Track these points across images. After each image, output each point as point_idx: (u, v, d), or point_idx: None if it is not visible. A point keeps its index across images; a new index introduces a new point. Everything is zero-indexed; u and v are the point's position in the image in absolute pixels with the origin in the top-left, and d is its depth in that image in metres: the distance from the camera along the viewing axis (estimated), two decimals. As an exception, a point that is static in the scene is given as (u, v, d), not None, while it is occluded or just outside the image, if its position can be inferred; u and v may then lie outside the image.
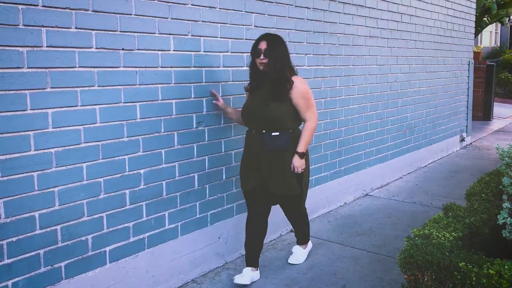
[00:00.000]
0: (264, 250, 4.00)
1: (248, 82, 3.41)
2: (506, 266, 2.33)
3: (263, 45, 3.19)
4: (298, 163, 3.29)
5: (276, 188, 3.32)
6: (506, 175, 2.69)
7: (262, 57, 3.18)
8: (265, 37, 3.25)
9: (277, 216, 4.28)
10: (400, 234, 4.33)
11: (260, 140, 3.26)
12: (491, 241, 3.07)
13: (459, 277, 2.39)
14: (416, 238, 2.77)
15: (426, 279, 2.54)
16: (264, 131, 3.24)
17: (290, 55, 4.28)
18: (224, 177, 3.73)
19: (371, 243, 4.16)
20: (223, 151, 3.70)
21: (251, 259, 3.44)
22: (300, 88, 3.25)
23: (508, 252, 2.91)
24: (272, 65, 3.17)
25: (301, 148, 3.28)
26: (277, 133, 3.22)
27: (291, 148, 3.29)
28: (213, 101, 3.52)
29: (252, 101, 3.32)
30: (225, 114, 3.62)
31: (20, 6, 2.44)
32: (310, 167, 4.09)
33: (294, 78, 3.25)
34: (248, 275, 3.35)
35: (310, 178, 4.65)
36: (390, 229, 4.47)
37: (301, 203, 3.58)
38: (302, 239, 3.83)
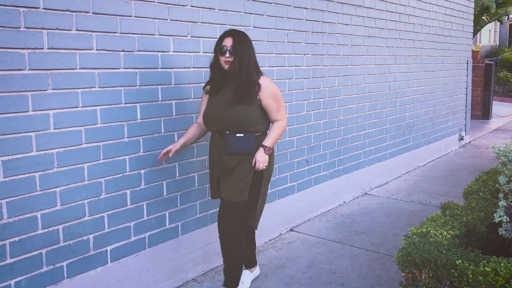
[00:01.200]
0: (264, 249, 4.03)
1: (205, 83, 3.18)
2: (502, 264, 2.36)
3: (228, 42, 2.91)
4: (262, 158, 2.95)
5: (225, 191, 3.02)
6: (502, 173, 2.72)
7: (227, 55, 2.90)
8: (231, 33, 2.96)
9: (276, 215, 4.31)
10: (398, 232, 4.37)
11: (223, 142, 2.98)
12: (488, 239, 3.11)
13: (456, 274, 2.42)
14: (414, 236, 2.80)
15: (423, 276, 2.57)
16: (227, 132, 2.96)
17: (289, 55, 4.35)
18: (223, 177, 3.76)
19: (370, 241, 4.19)
20: (222, 151, 3.74)
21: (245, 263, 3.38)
22: (270, 88, 3.00)
23: (504, 249, 2.94)
24: (239, 64, 2.90)
25: (268, 142, 2.99)
26: (241, 134, 2.95)
27: (253, 151, 2.99)
28: (162, 156, 3.14)
29: (215, 104, 3.01)
30: (181, 149, 3.19)
31: (21, 9, 2.47)
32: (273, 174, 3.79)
33: (262, 79, 2.99)
34: (247, 278, 3.36)
35: (309, 178, 4.70)
36: (389, 228, 4.51)
37: (250, 220, 3.11)
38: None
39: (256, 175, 3.01)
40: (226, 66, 2.95)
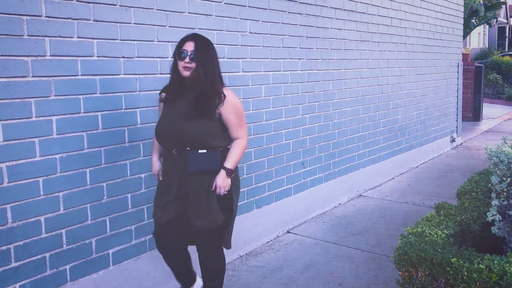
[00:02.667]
0: (262, 251, 4.09)
1: (160, 91, 2.84)
2: (495, 261, 2.44)
3: (189, 46, 2.58)
4: (222, 182, 2.62)
5: (199, 219, 2.66)
6: (495, 173, 2.80)
7: (187, 60, 2.56)
8: (192, 37, 2.64)
9: (273, 218, 4.38)
10: (393, 233, 4.44)
11: (184, 161, 2.63)
12: (481, 238, 3.19)
13: (451, 272, 2.50)
14: (410, 235, 2.87)
15: (420, 275, 2.65)
16: (188, 149, 2.62)
17: (285, 60, 4.42)
18: (221, 180, 3.82)
19: (365, 242, 4.26)
20: (220, 154, 3.79)
21: (186, 282, 3.00)
22: (233, 103, 2.67)
23: (497, 248, 3.03)
24: (201, 71, 2.57)
25: (229, 163, 2.64)
26: (204, 151, 2.62)
27: (218, 169, 2.67)
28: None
29: (170, 117, 2.67)
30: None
31: (24, 17, 2.52)
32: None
33: (225, 91, 2.65)
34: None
35: (305, 180, 4.77)
36: (384, 229, 4.58)
37: (224, 242, 2.83)
38: None
39: (226, 195, 2.70)
40: (185, 73, 2.59)
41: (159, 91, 2.91)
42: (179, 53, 2.60)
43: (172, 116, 2.65)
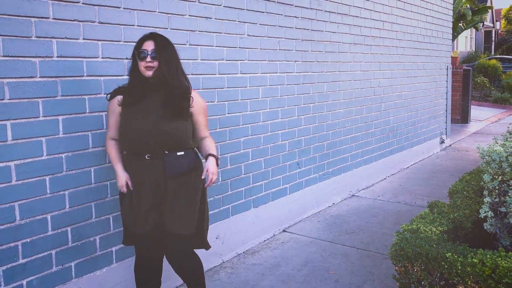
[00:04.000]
0: (259, 249, 4.17)
1: (113, 91, 2.71)
2: (488, 256, 2.54)
3: (149, 46, 2.54)
4: (215, 168, 2.66)
5: (174, 225, 2.61)
6: (487, 172, 2.92)
7: (149, 59, 2.52)
8: (151, 36, 2.59)
9: (269, 217, 4.46)
10: (387, 231, 4.55)
11: (161, 165, 2.57)
12: (473, 235, 3.30)
13: (446, 266, 2.60)
14: (405, 232, 2.97)
15: (415, 269, 2.75)
16: (166, 152, 2.57)
17: (281, 62, 4.51)
18: (220, 179, 3.89)
19: (360, 240, 4.36)
20: (219, 154, 3.87)
21: None
22: (202, 103, 2.72)
23: (488, 244, 3.14)
24: (165, 69, 2.54)
25: (214, 152, 2.71)
26: (182, 153, 2.60)
27: (194, 170, 2.67)
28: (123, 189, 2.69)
29: (142, 119, 2.55)
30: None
31: (33, 19, 2.58)
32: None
33: (192, 92, 2.70)
34: None
35: (300, 180, 4.87)
36: (377, 227, 4.69)
37: (204, 244, 2.82)
38: None
39: (202, 196, 2.73)
40: (147, 73, 2.54)
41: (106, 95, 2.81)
42: (139, 53, 2.55)
43: (146, 118, 2.54)
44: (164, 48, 2.56)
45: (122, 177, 2.65)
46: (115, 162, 2.70)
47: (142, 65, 2.54)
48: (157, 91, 2.59)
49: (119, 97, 2.64)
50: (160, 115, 2.55)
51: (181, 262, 2.75)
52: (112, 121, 2.67)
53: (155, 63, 2.53)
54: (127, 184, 2.65)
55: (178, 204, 2.61)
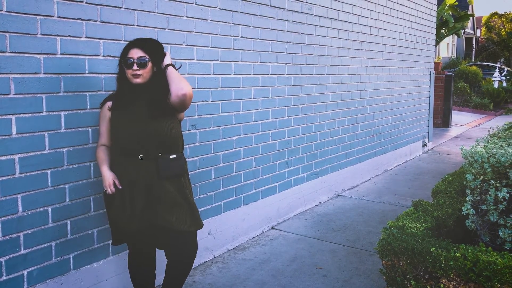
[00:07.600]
0: (249, 245, 4.29)
1: (104, 100, 2.79)
2: (469, 250, 2.70)
3: (135, 53, 2.61)
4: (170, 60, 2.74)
5: (182, 224, 2.68)
6: (469, 172, 3.08)
7: (135, 67, 2.60)
8: (136, 44, 2.67)
9: (258, 214, 4.58)
10: (372, 230, 4.71)
11: (153, 165, 2.63)
12: (455, 232, 3.47)
13: (430, 260, 2.75)
14: (392, 228, 3.12)
15: (401, 263, 2.89)
16: (160, 154, 2.64)
17: (272, 64, 4.63)
18: (213, 177, 4.00)
19: (346, 238, 4.51)
20: (212, 152, 3.98)
21: None
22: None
23: (469, 240, 3.31)
24: (157, 78, 2.67)
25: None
26: (174, 156, 2.68)
27: (186, 173, 2.80)
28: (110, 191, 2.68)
29: (134, 120, 2.62)
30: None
31: (38, 17, 2.66)
32: None
33: None
34: None
35: (289, 179, 4.99)
36: (363, 226, 4.85)
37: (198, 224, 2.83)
38: None
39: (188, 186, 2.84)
40: (135, 80, 2.62)
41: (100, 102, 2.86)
42: (125, 61, 2.62)
43: (137, 120, 2.62)
44: (151, 56, 2.65)
45: (109, 177, 2.67)
46: (101, 163, 2.73)
47: (129, 72, 2.63)
48: (145, 95, 2.67)
49: (109, 103, 2.73)
50: (149, 116, 2.62)
51: (177, 259, 2.79)
52: (103, 128, 2.75)
53: (141, 71, 2.61)
54: (114, 184, 2.67)
55: (176, 203, 2.67)
